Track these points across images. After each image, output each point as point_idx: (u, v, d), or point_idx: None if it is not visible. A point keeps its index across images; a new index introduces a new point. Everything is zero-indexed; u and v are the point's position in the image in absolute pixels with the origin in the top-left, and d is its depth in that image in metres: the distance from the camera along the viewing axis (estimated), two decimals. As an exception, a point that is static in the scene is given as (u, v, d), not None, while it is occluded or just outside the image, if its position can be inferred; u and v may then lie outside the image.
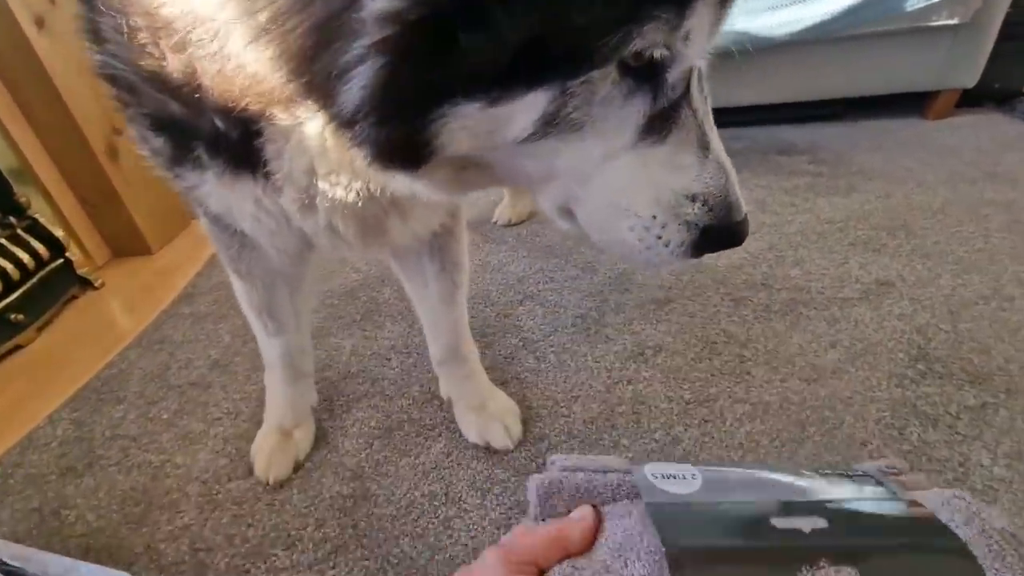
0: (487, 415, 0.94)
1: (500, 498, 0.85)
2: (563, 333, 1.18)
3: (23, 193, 1.49)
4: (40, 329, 1.43)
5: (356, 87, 0.38)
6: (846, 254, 1.32)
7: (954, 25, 1.83)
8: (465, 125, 0.39)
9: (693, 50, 0.40)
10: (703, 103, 0.45)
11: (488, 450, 0.93)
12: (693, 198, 0.44)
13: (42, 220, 1.51)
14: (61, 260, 1.53)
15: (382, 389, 1.09)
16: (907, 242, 1.35)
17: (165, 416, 1.09)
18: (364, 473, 0.91)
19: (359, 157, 0.43)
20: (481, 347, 1.13)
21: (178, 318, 1.41)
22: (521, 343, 1.17)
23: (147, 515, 0.89)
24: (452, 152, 0.42)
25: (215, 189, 0.59)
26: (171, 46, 0.46)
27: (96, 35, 0.52)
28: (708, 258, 1.34)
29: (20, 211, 1.48)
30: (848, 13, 1.78)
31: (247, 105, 0.46)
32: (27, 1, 1.44)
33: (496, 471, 0.89)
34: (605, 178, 0.44)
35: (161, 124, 0.56)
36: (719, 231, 0.45)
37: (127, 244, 1.75)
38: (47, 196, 1.60)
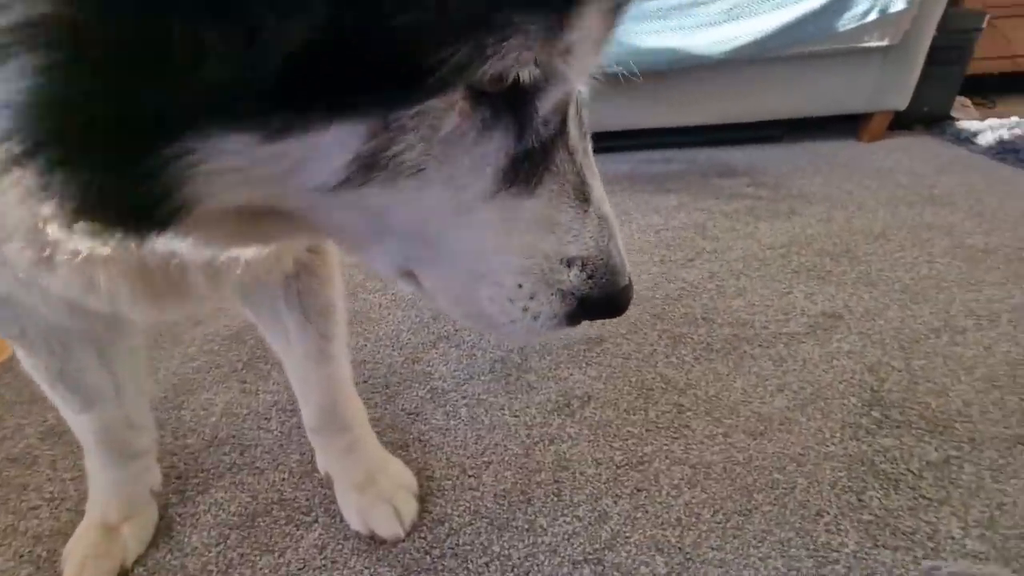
0: (374, 493, 0.76)
1: (382, 609, 0.66)
2: (479, 381, 1.01)
3: None
4: None
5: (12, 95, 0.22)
6: (790, 283, 1.22)
7: (885, 47, 1.82)
8: (231, 167, 0.26)
9: (575, 71, 0.30)
10: (581, 140, 0.35)
11: (373, 540, 0.74)
12: (569, 263, 0.35)
13: None
14: None
15: (253, 459, 0.89)
16: (852, 269, 1.26)
17: (-35, 506, 0.85)
18: (211, 579, 0.71)
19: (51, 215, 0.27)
20: (382, 400, 0.96)
21: (16, 372, 1.16)
22: (429, 394, 0.99)
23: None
24: (219, 204, 0.28)
25: None
26: None
27: None
28: (644, 290, 1.23)
29: None
30: (783, 31, 1.74)
31: None
32: None
33: (380, 570, 0.71)
34: (457, 237, 0.33)
35: None
36: (599, 301, 0.36)
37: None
38: None
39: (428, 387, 1.01)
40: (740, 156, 2.02)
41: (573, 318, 0.37)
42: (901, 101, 1.96)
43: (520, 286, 0.35)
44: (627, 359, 1.03)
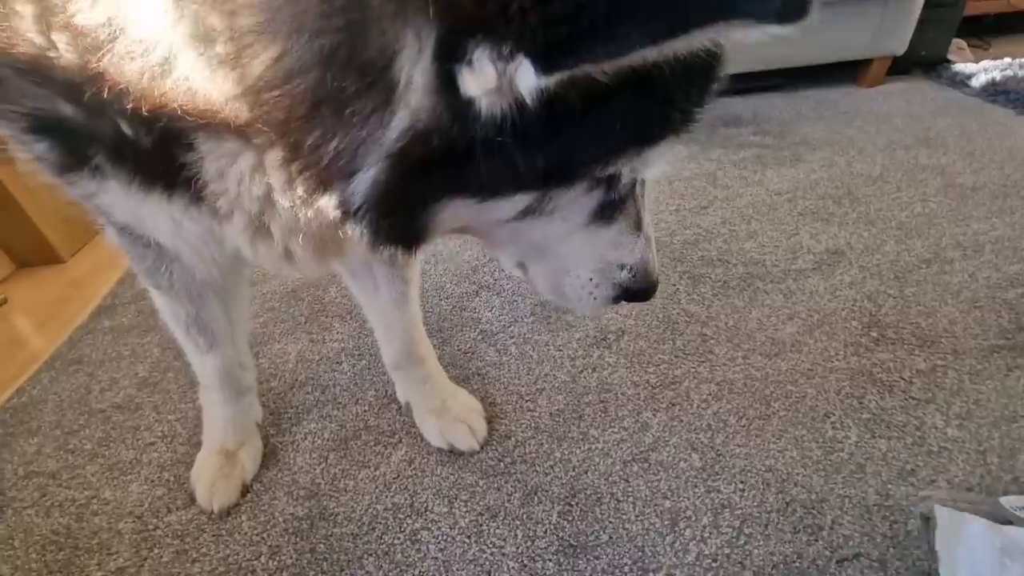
0: (449, 417, 0.89)
1: (469, 504, 0.81)
2: (523, 323, 1.14)
3: None
4: (-67, 356, 1.26)
5: (363, 185, 0.38)
6: (796, 225, 1.34)
7: (884, -6, 1.87)
8: (457, 215, 0.44)
9: (649, 171, 0.47)
10: (643, 193, 0.54)
11: (453, 453, 0.88)
12: (622, 267, 0.55)
13: (-76, 231, 1.33)
14: (-47, 276, 1.36)
15: (334, 396, 1.02)
16: (852, 210, 1.38)
17: (88, 446, 0.98)
18: (320, 491, 0.85)
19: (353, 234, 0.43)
20: (438, 343, 1.08)
21: (97, 333, 1.27)
22: (480, 336, 1.12)
23: (73, 560, 0.80)
24: (441, 233, 0.48)
25: (120, 199, 0.50)
26: (72, 41, 0.38)
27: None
28: (663, 236, 1.34)
29: None
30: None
31: (177, 117, 0.39)
32: None
33: (463, 475, 0.85)
34: (560, 248, 0.54)
35: (44, 127, 0.47)
36: (636, 291, 0.57)
37: (32, 253, 1.57)
38: (-71, 204, 1.41)
39: (478, 330, 1.13)
40: (745, 105, 2.09)
41: (617, 299, 0.58)
42: (900, 46, 2.02)
43: (591, 279, 0.56)
44: (653, 299, 1.16)
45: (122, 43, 0.37)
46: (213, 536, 0.80)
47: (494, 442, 0.90)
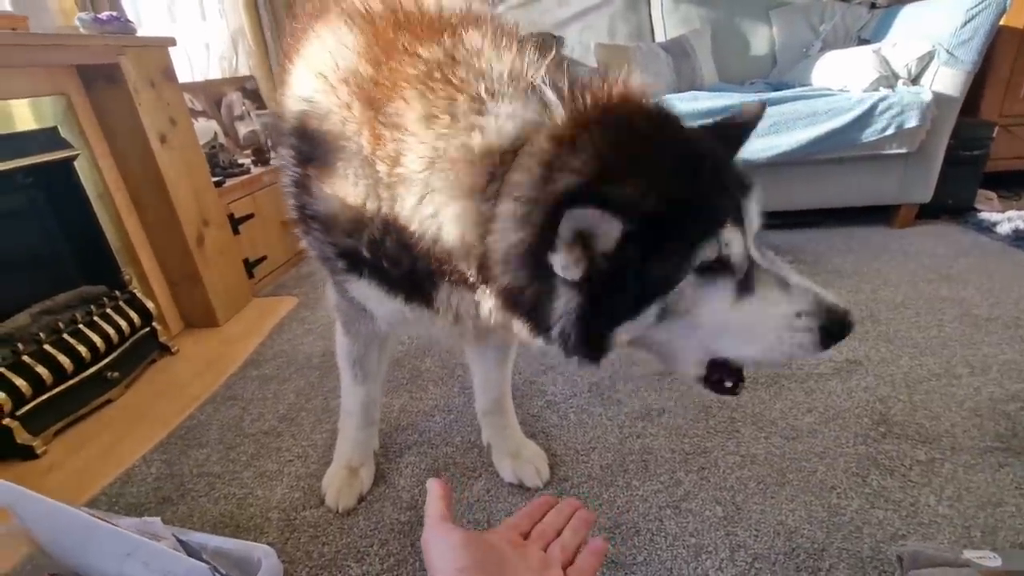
0: (521, 460, 1.14)
1: (532, 526, 1.03)
2: (581, 397, 1.39)
3: (126, 272, 1.79)
4: (127, 386, 1.65)
5: (560, 326, 0.61)
6: (821, 338, 1.56)
7: (905, 153, 2.19)
8: (625, 331, 0.62)
9: (736, 247, 0.59)
10: (769, 261, 0.64)
11: (521, 487, 1.11)
12: (797, 315, 0.60)
13: (139, 294, 1.79)
14: (148, 328, 1.79)
15: (429, 439, 1.29)
16: (873, 328, 1.58)
17: (243, 458, 1.29)
18: (418, 504, 1.10)
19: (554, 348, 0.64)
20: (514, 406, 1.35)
21: (247, 379, 1.63)
22: (546, 404, 1.38)
23: (235, 536, 1.07)
24: (618, 347, 0.65)
25: (370, 293, 0.79)
26: (381, 223, 0.68)
27: (303, 188, 0.77)
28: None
29: (123, 286, 1.77)
30: (816, 142, 2.16)
31: (428, 263, 0.67)
32: (155, 122, 1.83)
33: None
34: (729, 329, 0.62)
35: (342, 252, 0.76)
36: (830, 327, 0.60)
37: (199, 317, 2.02)
38: (142, 275, 1.90)
39: (544, 400, 1.40)
40: (784, 238, 2.39)
41: (823, 343, 0.60)
42: (925, 195, 2.30)
43: (778, 337, 0.61)
44: (690, 388, 1.39)
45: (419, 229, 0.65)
46: (338, 528, 1.06)
47: (554, 482, 1.13)
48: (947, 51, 2.09)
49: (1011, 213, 2.29)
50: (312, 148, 0.74)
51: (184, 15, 3.05)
